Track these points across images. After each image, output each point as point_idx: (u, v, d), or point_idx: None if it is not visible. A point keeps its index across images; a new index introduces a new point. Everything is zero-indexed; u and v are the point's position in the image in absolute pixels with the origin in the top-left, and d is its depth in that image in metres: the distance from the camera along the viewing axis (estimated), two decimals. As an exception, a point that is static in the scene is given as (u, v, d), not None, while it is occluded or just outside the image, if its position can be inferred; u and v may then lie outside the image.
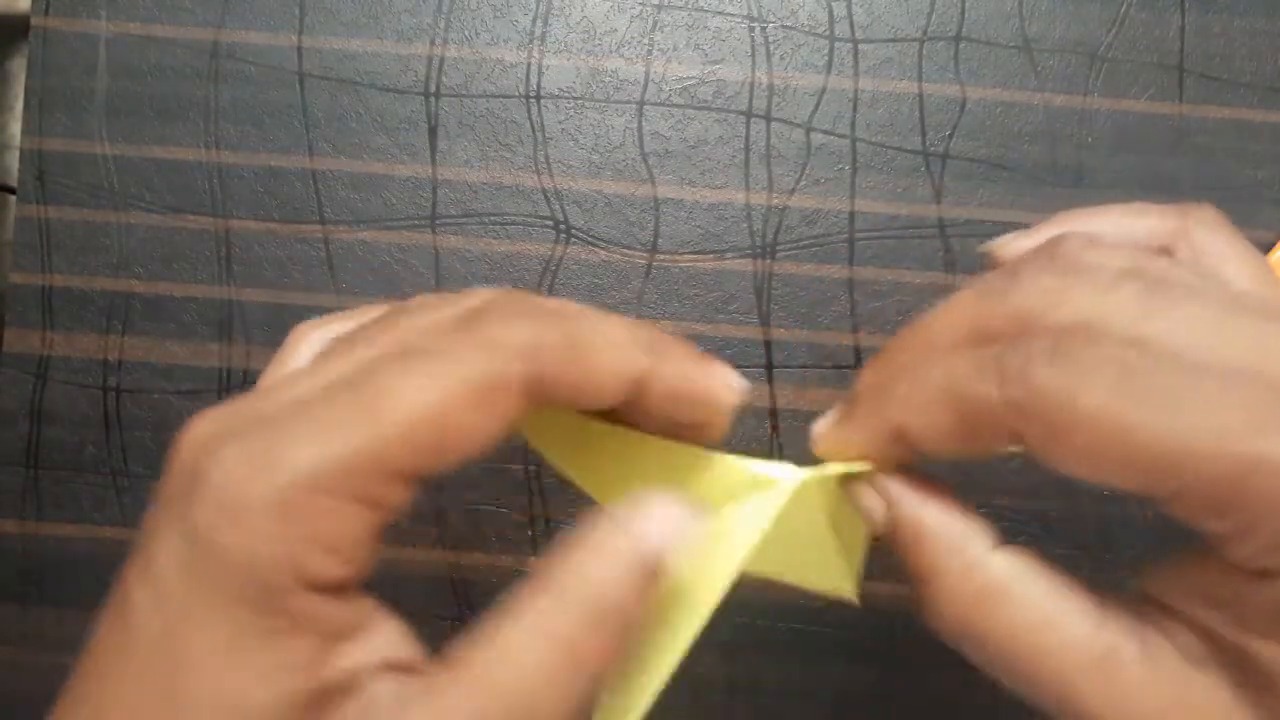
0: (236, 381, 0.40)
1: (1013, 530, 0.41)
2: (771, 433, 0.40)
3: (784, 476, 0.21)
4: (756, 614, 0.40)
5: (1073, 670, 0.18)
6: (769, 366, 0.41)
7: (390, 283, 0.40)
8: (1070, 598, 0.19)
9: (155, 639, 0.16)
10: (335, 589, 0.17)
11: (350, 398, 0.17)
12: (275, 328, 0.40)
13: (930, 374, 0.20)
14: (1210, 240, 0.22)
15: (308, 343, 0.22)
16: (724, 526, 0.21)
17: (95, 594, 0.42)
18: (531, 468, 0.40)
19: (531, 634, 0.17)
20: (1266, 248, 0.41)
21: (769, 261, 0.41)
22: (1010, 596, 0.19)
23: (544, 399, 0.18)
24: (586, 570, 0.18)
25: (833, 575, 0.23)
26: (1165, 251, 0.23)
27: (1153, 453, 0.16)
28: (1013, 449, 0.19)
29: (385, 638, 0.18)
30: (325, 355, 0.19)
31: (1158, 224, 0.23)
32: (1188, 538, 0.19)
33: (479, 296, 0.20)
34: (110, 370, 0.40)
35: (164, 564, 0.16)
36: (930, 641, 0.42)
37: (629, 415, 0.21)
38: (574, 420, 0.22)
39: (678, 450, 0.22)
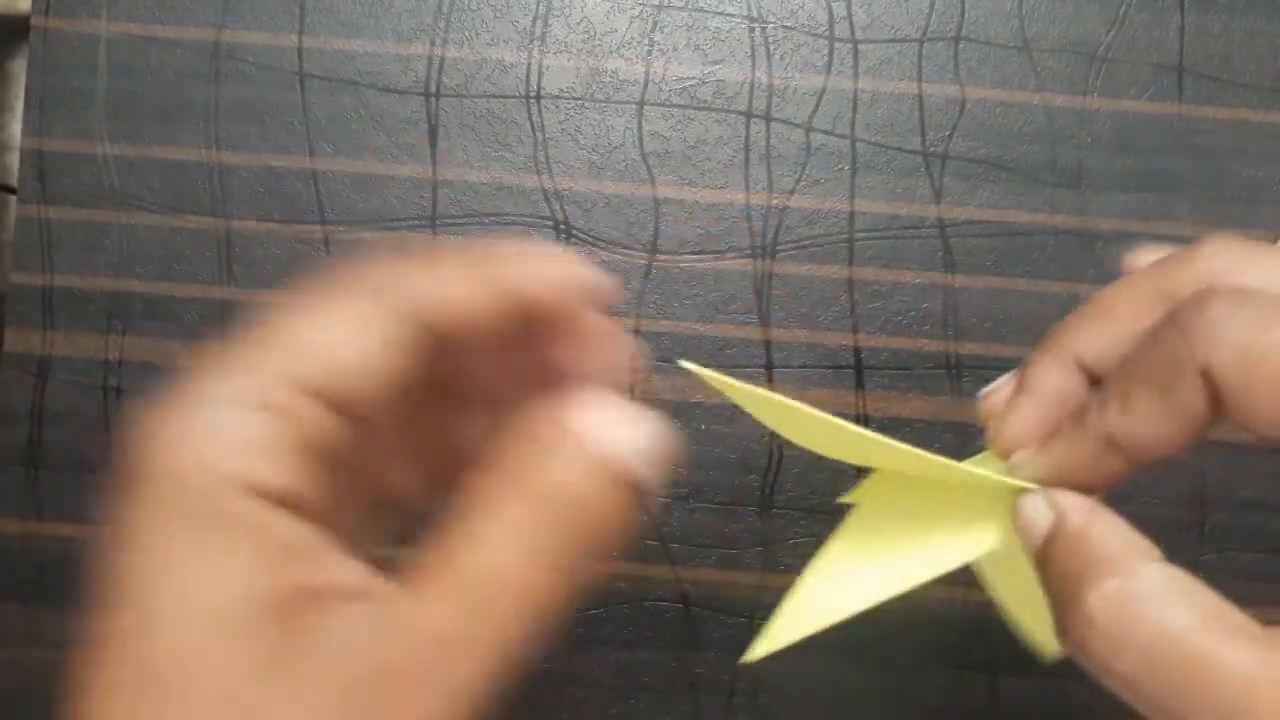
0: (237, 381, 0.40)
1: (1012, 530, 0.41)
2: (771, 435, 0.40)
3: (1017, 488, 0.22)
4: (756, 613, 0.40)
5: (1231, 685, 0.18)
6: (769, 366, 0.41)
7: (390, 283, 0.40)
8: (1233, 615, 0.19)
9: (126, 569, 0.18)
10: (277, 500, 0.18)
11: (251, 339, 0.19)
12: (275, 328, 0.40)
13: (1120, 369, 0.20)
14: None
15: None
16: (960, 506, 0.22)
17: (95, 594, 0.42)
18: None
19: (498, 535, 0.18)
20: (1266, 248, 0.41)
21: (769, 262, 0.41)
22: (1173, 607, 0.18)
23: (427, 319, 0.19)
24: (550, 472, 0.18)
25: (1038, 616, 0.23)
26: None
27: None
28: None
29: (353, 569, 0.18)
30: None
31: None
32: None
33: None
34: (111, 370, 0.40)
35: (128, 505, 0.18)
36: (929, 642, 0.42)
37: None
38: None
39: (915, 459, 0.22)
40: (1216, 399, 0.19)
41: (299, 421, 0.18)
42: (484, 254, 0.20)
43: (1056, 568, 0.20)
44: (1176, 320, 0.19)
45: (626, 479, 0.19)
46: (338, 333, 0.19)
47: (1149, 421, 0.20)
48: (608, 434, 0.19)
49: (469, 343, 0.20)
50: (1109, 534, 0.20)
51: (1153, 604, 0.19)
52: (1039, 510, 0.21)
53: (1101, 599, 0.19)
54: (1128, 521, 0.20)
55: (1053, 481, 0.21)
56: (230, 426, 0.18)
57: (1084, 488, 0.21)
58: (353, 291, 0.19)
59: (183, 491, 0.17)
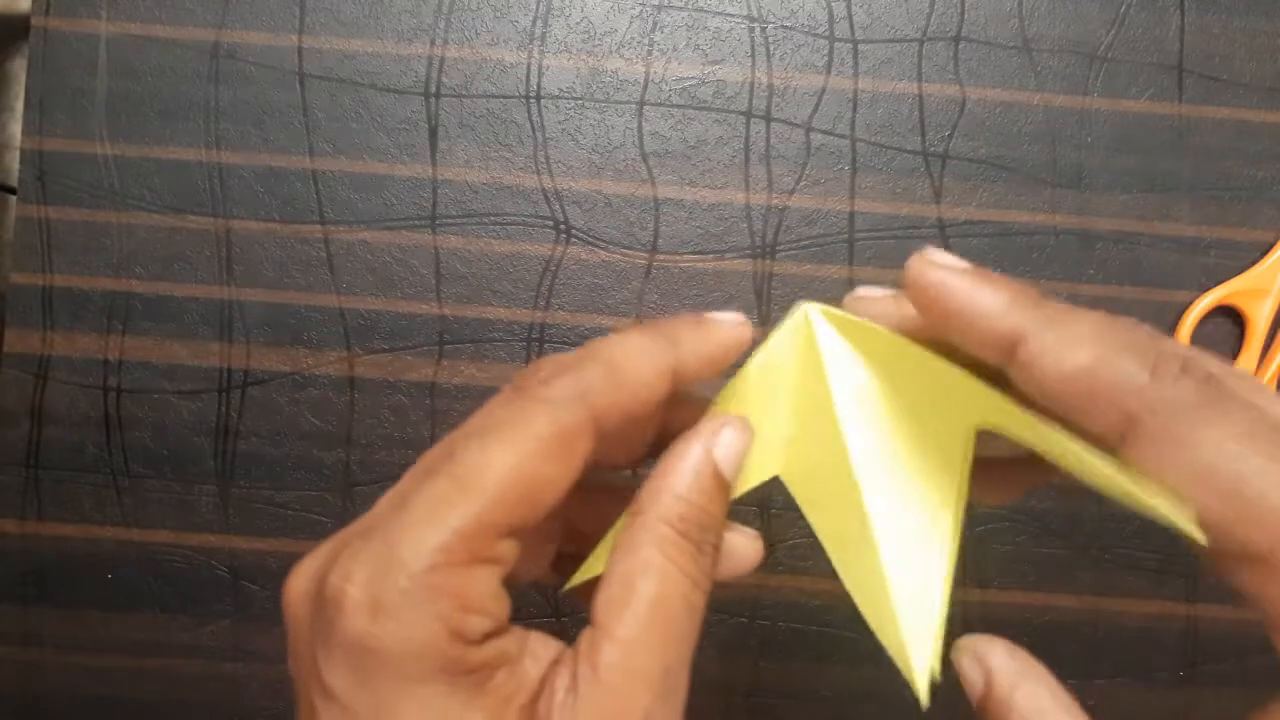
0: (237, 381, 0.40)
1: (1013, 530, 0.41)
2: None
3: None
4: (756, 614, 0.40)
5: None
6: (769, 366, 0.41)
7: (390, 283, 0.40)
8: None
9: None
10: (494, 634, 0.19)
11: (444, 481, 0.19)
12: (275, 328, 0.40)
13: (1087, 316, 0.19)
14: None
15: None
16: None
17: (95, 594, 0.42)
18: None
19: (641, 573, 0.20)
20: (1266, 248, 0.41)
21: (769, 261, 0.41)
22: None
23: (606, 428, 0.20)
24: (662, 495, 0.21)
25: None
26: None
27: (1259, 502, 0.17)
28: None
29: (541, 646, 0.20)
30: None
31: None
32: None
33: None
34: (110, 370, 0.40)
35: (342, 687, 0.18)
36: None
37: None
38: None
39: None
40: (1128, 428, 0.18)
41: (505, 564, 0.19)
42: (657, 334, 0.21)
43: None
44: (1155, 353, 0.18)
45: (721, 476, 0.21)
46: (529, 465, 0.19)
47: (1064, 378, 0.19)
48: (711, 440, 0.21)
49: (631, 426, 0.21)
50: (1030, 705, 0.21)
51: None
52: (973, 669, 0.22)
53: None
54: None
55: (919, 304, 0.22)
56: (458, 589, 0.18)
57: (957, 334, 0.21)
58: (532, 408, 0.20)
59: (419, 659, 0.18)
